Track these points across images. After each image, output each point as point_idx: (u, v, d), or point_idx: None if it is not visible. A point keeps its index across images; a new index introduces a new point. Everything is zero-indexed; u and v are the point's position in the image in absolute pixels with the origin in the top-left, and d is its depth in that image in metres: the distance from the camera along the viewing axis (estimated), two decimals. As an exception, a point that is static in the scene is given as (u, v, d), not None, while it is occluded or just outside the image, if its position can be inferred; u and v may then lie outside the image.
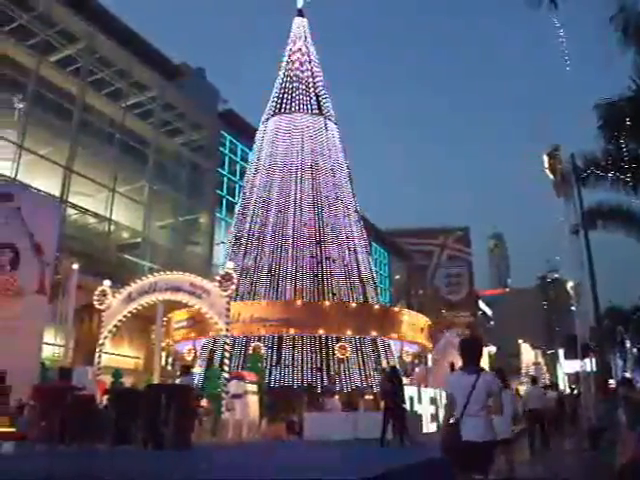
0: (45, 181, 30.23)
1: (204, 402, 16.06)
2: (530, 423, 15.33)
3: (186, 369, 13.71)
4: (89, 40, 33.77)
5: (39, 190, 28.53)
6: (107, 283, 20.33)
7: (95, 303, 20.14)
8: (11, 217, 19.15)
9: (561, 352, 53.07)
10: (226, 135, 45.66)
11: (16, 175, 28.30)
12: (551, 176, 21.55)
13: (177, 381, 13.02)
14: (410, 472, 7.76)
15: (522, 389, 40.53)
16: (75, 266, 22.23)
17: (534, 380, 19.19)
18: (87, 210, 33.70)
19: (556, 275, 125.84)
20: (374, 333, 26.49)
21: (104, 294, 20.00)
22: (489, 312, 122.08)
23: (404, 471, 7.73)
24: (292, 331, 25.28)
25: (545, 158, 21.60)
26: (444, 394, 21.07)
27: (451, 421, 5.52)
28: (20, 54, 30.53)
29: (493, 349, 41.02)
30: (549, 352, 73.15)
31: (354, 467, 8.22)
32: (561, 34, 18.78)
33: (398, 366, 27.55)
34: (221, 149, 45.27)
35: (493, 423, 5.48)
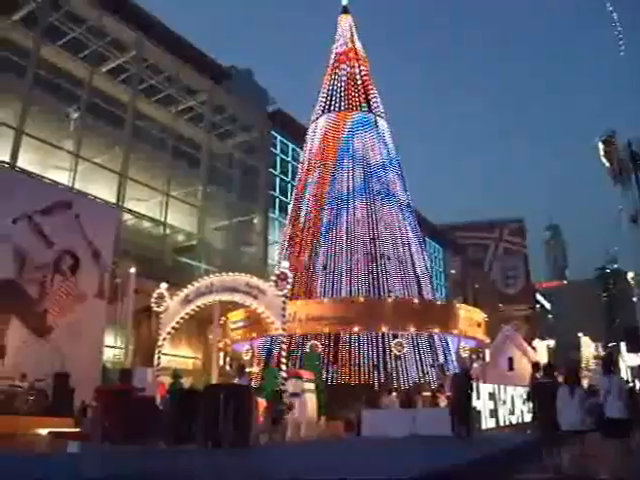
0: (101, 188, 30.87)
1: (262, 402, 16.14)
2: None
3: (241, 368, 13.79)
4: (138, 48, 34.36)
5: (96, 197, 29.20)
6: (164, 286, 20.56)
7: (153, 306, 20.40)
8: (71, 224, 19.72)
9: (623, 345, 51.51)
10: (276, 135, 45.90)
11: (73, 183, 28.96)
12: (607, 164, 20.99)
13: (235, 381, 13.10)
14: (470, 470, 7.65)
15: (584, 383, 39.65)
16: (132, 270, 22.64)
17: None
18: (143, 215, 34.31)
19: (615, 265, 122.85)
20: (431, 329, 26.30)
21: (162, 297, 20.23)
22: (547, 305, 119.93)
23: (467, 468, 7.63)
24: (348, 329, 25.28)
25: (600, 145, 21.05)
26: (502, 389, 20.72)
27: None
28: (74, 66, 31.32)
29: (552, 342, 40.25)
30: (610, 345, 71.37)
31: (413, 465, 8.16)
32: (614, 17, 18.32)
33: (456, 362, 27.42)
34: (272, 149, 45.53)
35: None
